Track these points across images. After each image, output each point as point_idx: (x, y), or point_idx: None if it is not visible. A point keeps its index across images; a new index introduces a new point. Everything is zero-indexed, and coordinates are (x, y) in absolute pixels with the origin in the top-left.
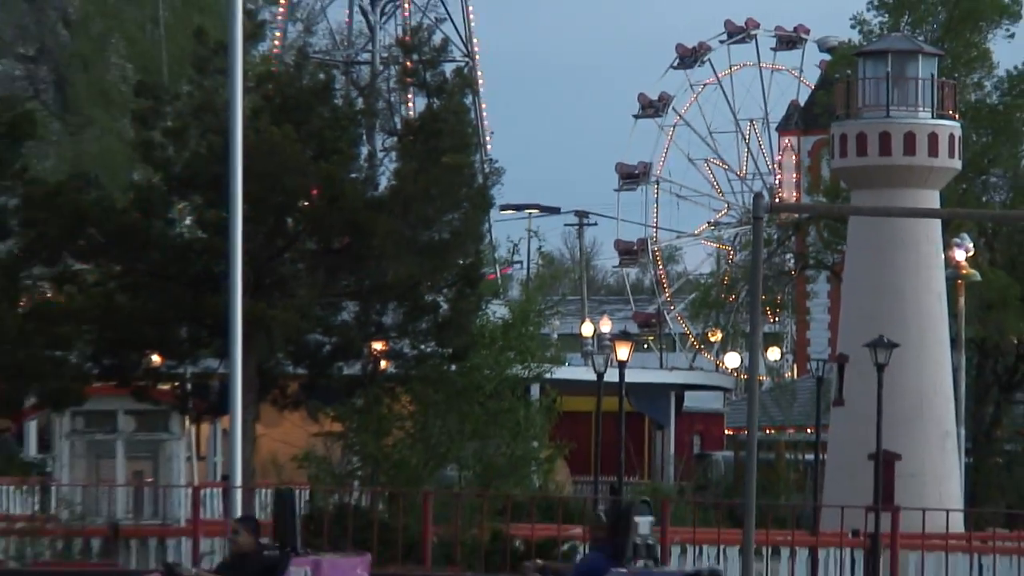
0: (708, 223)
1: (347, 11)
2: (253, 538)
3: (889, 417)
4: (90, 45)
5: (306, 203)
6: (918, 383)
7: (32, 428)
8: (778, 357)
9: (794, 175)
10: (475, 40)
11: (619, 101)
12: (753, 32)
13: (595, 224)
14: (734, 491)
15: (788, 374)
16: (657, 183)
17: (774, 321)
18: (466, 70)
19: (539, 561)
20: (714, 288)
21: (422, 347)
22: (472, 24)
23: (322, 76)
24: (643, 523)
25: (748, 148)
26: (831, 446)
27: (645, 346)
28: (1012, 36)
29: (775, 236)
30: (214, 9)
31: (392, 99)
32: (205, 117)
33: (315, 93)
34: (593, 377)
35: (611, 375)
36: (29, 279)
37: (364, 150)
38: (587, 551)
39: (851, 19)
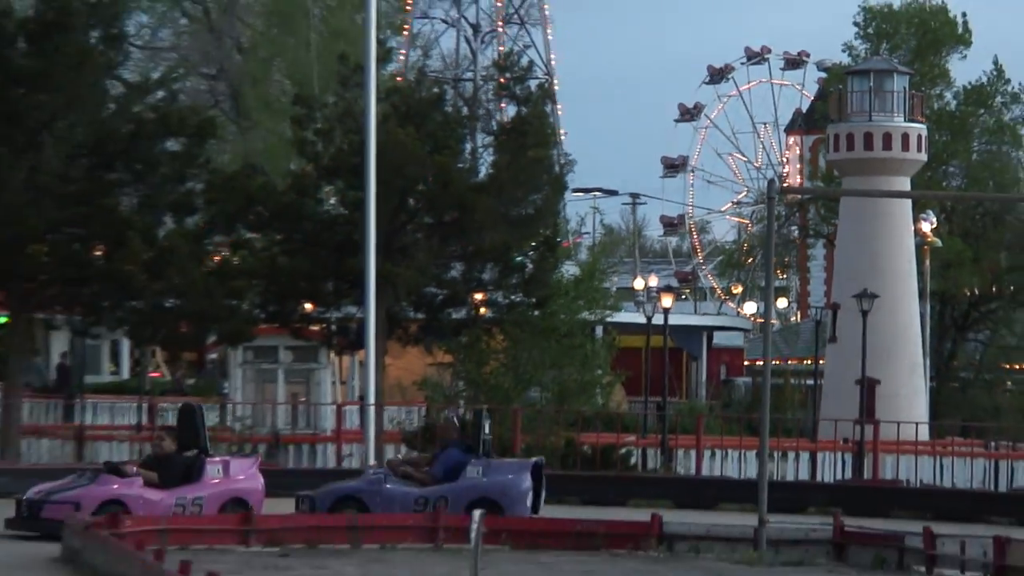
0: (732, 202)
1: (455, 40)
2: (174, 444)
3: (871, 351)
4: (258, 66)
5: (423, 187)
6: (893, 325)
7: (212, 361)
8: (785, 305)
9: (798, 166)
10: (553, 60)
11: (663, 109)
12: (766, 56)
13: (645, 203)
14: (752, 408)
15: (793, 318)
16: (692, 171)
17: (782, 277)
18: (545, 84)
19: (399, 456)
20: (736, 253)
21: (512, 297)
22: (550, 48)
23: (436, 90)
24: (486, 426)
25: (762, 145)
26: (827, 374)
27: (683, 297)
28: (964, 58)
29: (783, 213)
30: (354, 38)
31: (489, 107)
32: (346, 121)
33: (430, 103)
34: (643, 320)
35: (657, 319)
36: (211, 245)
37: (468, 146)
38: (443, 450)
39: (842, 45)
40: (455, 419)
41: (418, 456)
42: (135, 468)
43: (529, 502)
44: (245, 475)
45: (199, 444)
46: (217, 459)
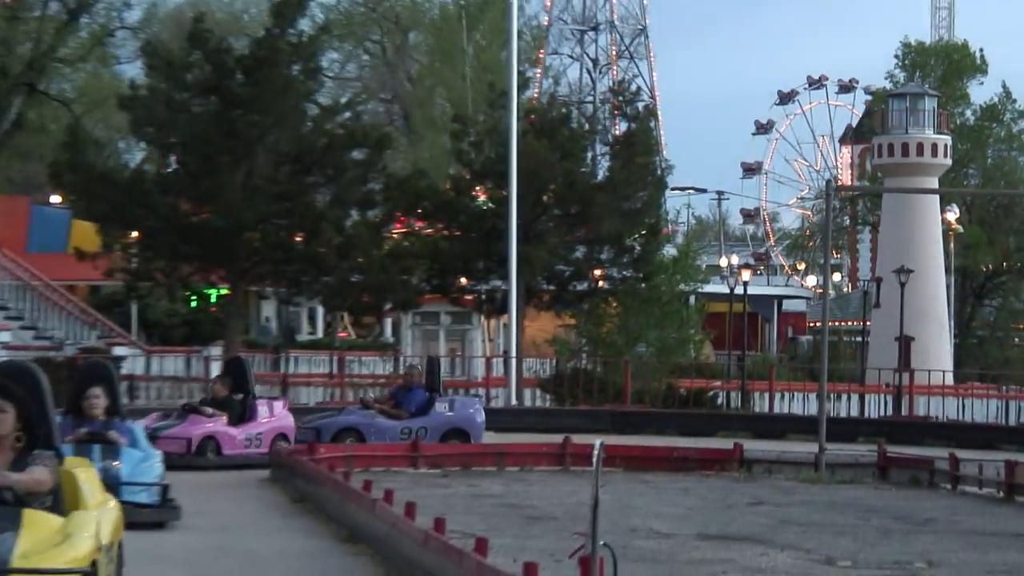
0: (797, 198)
1: (579, 71)
2: (226, 389)
3: (907, 315)
4: (424, 92)
5: (553, 187)
6: (924, 294)
7: (388, 324)
8: (839, 279)
9: (849, 170)
10: (656, 86)
11: (742, 123)
12: (824, 82)
13: (728, 199)
14: (813, 360)
15: (845, 289)
16: (766, 174)
17: (837, 257)
18: (650, 105)
19: (371, 395)
20: (800, 238)
21: (624, 273)
22: (654, 76)
23: (563, 111)
24: (439, 372)
25: (821, 153)
26: (872, 333)
27: (758, 272)
28: (982, 84)
29: (837, 206)
30: (499, 70)
31: (606, 124)
32: (493, 135)
33: (559, 121)
34: (727, 291)
35: (738, 290)
36: (387, 233)
37: (589, 155)
38: (409, 391)
39: (885, 74)
40: (419, 367)
41: (381, 396)
42: (211, 409)
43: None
44: (282, 414)
45: (246, 389)
46: (263, 401)
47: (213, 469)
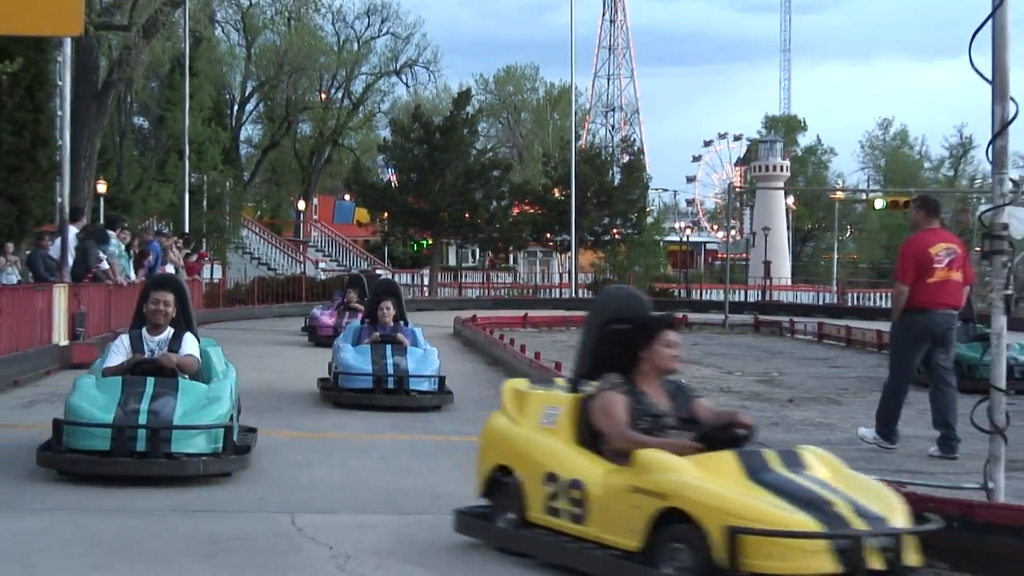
0: (714, 193)
1: (606, 131)
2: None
3: (768, 250)
4: (528, 141)
5: (592, 188)
6: (776, 240)
7: (511, 257)
8: (734, 233)
9: (739, 179)
10: (644, 136)
11: (688, 156)
12: (726, 135)
13: (679, 193)
14: (722, 273)
15: (737, 237)
16: (699, 181)
17: (734, 222)
18: (641, 149)
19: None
20: (716, 212)
21: (627, 231)
22: (643, 131)
23: (597, 151)
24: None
25: (726, 170)
26: (751, 260)
27: (694, 229)
28: (804, 134)
29: (734, 196)
30: (566, 130)
31: (619, 157)
32: (562, 164)
33: (596, 156)
34: (679, 239)
35: (684, 239)
36: (510, 211)
37: (611, 172)
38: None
39: (756, 131)
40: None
41: None
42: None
43: None
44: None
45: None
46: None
47: None
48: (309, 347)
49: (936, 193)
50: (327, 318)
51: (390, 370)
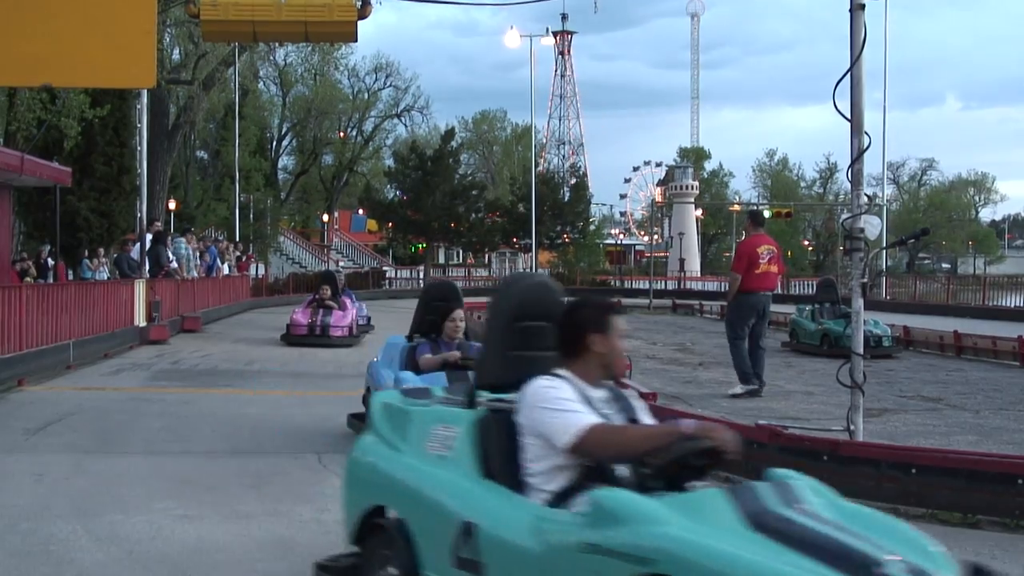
0: (641, 207)
1: (557, 159)
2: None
3: (682, 249)
4: (498, 168)
5: (548, 203)
6: (688, 242)
7: (487, 256)
8: (656, 237)
9: (661, 196)
10: (587, 163)
11: (620, 177)
12: (651, 161)
13: (614, 207)
14: (648, 268)
15: (659, 240)
16: (629, 197)
17: (657, 228)
18: (584, 173)
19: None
20: (643, 221)
21: (575, 235)
22: (586, 158)
23: (552, 175)
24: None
25: (650, 189)
26: (670, 257)
27: (626, 234)
28: (709, 160)
29: (656, 208)
30: (528, 159)
31: (567, 179)
32: (524, 186)
33: (551, 178)
34: (615, 242)
35: (618, 241)
36: (486, 220)
37: (562, 191)
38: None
39: (673, 158)
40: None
41: None
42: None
43: None
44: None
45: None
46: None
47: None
48: None
49: (808, 206)
50: (300, 316)
51: None
